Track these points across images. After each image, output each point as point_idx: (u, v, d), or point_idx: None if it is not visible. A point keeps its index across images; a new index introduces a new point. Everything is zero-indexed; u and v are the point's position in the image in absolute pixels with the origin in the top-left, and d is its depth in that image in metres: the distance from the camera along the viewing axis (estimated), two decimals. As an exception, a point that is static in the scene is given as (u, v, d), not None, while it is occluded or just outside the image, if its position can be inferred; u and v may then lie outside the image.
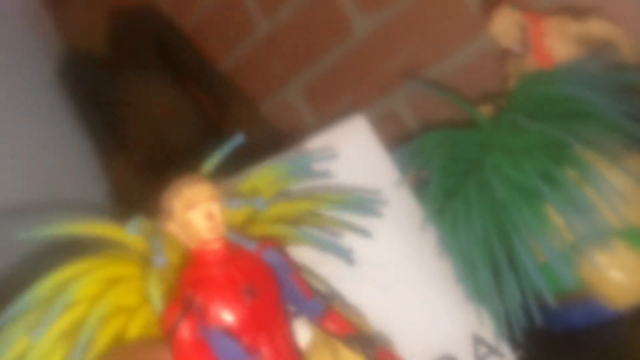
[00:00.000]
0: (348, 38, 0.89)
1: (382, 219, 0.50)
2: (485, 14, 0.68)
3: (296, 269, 0.41)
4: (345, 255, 0.45)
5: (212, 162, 0.45)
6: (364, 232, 0.48)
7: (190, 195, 0.36)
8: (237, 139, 0.44)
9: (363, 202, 0.49)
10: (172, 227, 0.37)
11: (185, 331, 0.35)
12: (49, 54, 0.98)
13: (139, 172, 0.95)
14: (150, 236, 0.39)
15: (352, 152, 0.52)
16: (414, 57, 0.84)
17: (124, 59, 0.95)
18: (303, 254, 0.45)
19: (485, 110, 0.60)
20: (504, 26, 0.57)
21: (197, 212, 0.36)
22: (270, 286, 0.39)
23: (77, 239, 0.42)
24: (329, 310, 0.42)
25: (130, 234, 0.39)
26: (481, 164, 0.54)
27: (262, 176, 0.46)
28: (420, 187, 0.56)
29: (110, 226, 0.41)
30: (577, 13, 0.59)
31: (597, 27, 0.56)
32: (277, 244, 0.41)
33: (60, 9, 0.95)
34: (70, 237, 0.42)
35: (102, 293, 0.37)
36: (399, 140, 0.59)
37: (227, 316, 0.36)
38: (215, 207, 0.37)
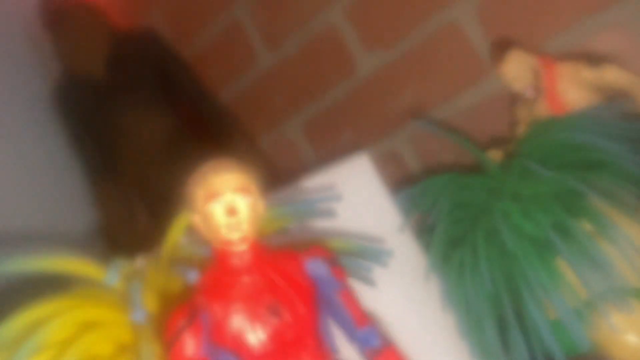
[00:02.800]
0: (351, 75, 0.87)
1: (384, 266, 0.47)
2: (494, 57, 0.67)
3: (348, 287, 0.35)
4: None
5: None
6: (368, 282, 0.45)
7: (214, 184, 0.31)
8: None
9: (366, 251, 0.46)
10: (196, 220, 0.32)
11: (188, 345, 0.29)
12: (46, 77, 0.96)
13: (128, 201, 0.92)
14: (130, 284, 0.35)
15: (354, 192, 0.49)
16: (419, 98, 0.82)
17: (122, 84, 0.93)
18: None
19: (494, 155, 0.57)
20: (517, 70, 0.55)
21: (218, 204, 0.31)
22: (304, 305, 0.32)
23: (53, 275, 0.38)
24: (387, 348, 0.34)
25: (109, 282, 0.35)
26: (490, 211, 0.51)
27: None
28: (424, 233, 0.53)
29: (90, 264, 0.38)
30: (592, 59, 0.57)
31: (612, 75, 0.54)
32: (327, 253, 0.34)
33: (59, 32, 0.94)
34: (46, 272, 0.38)
35: (74, 338, 0.33)
36: (399, 181, 0.57)
37: (242, 337, 0.30)
38: (241, 201, 0.31)
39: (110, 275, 0.35)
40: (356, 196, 0.49)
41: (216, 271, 0.32)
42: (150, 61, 0.95)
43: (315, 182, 0.48)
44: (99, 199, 0.95)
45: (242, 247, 0.32)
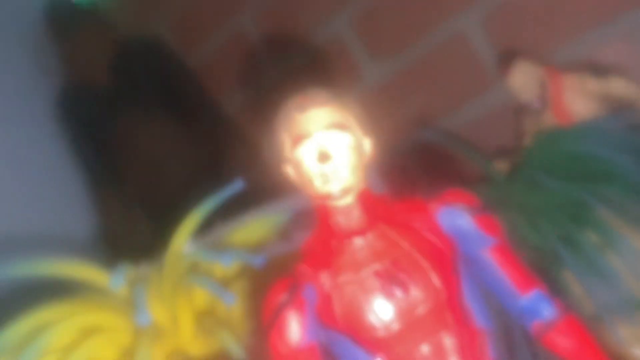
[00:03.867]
0: (357, 85, 0.87)
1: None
2: (501, 68, 0.67)
3: (504, 242, 0.27)
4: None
5: (209, 205, 0.42)
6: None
7: (300, 122, 0.26)
8: (236, 185, 0.42)
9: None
10: (288, 171, 0.26)
11: (290, 327, 0.23)
12: (50, 86, 0.97)
13: (130, 209, 0.92)
14: (134, 288, 0.35)
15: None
16: (424, 108, 0.82)
17: (125, 93, 0.93)
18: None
19: (500, 166, 0.57)
20: (523, 80, 0.55)
21: (307, 149, 0.25)
22: (438, 271, 0.24)
23: (56, 279, 0.38)
24: (565, 318, 0.26)
25: (113, 287, 0.35)
26: (495, 222, 0.51)
27: (257, 227, 0.43)
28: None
29: (94, 269, 0.37)
30: (599, 70, 0.57)
31: (618, 86, 0.54)
32: (470, 198, 0.26)
33: (64, 41, 0.94)
34: (50, 277, 0.38)
35: (77, 343, 0.33)
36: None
37: (358, 316, 0.23)
38: (336, 142, 0.25)
39: (115, 279, 0.34)
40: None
41: (320, 234, 0.25)
42: (155, 70, 0.96)
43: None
44: (101, 207, 0.95)
45: (347, 201, 0.25)
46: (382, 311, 0.24)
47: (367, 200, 0.25)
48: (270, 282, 0.26)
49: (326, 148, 0.25)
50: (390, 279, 0.24)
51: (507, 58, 0.60)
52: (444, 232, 0.25)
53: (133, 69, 0.95)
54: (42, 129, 0.95)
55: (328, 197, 0.25)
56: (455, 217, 0.26)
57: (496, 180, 0.55)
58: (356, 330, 0.23)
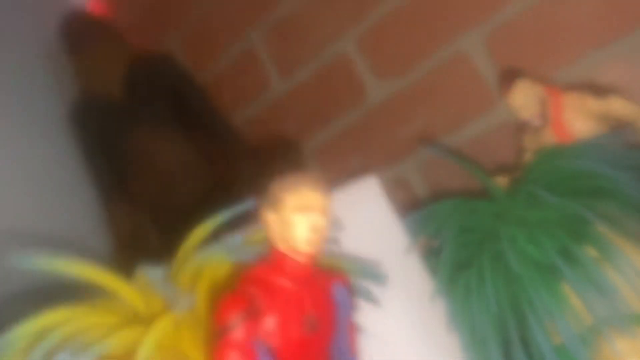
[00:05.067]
0: (362, 103, 0.89)
1: (390, 286, 0.47)
2: (502, 86, 0.68)
3: (354, 317, 0.38)
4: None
5: (218, 220, 0.43)
6: (373, 300, 0.46)
7: (307, 198, 0.33)
8: (249, 203, 0.43)
9: (371, 270, 0.46)
10: (270, 218, 0.34)
11: (239, 333, 0.31)
12: (64, 97, 0.98)
13: (139, 221, 0.93)
14: (158, 285, 0.36)
15: (363, 213, 0.50)
16: (427, 126, 0.84)
17: (138, 107, 0.95)
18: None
19: (500, 182, 0.58)
20: (524, 98, 0.56)
21: (306, 219, 0.33)
22: (330, 324, 0.35)
23: (65, 283, 0.39)
24: None
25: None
26: (496, 236, 0.52)
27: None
28: (431, 257, 0.54)
29: (107, 273, 0.38)
30: (598, 90, 0.58)
31: (617, 105, 0.56)
32: (348, 281, 0.37)
33: (78, 53, 0.96)
34: (60, 280, 0.39)
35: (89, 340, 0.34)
36: (406, 208, 0.57)
37: (280, 337, 0.32)
38: (324, 222, 0.34)
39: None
40: (364, 217, 0.50)
41: (271, 270, 0.34)
42: (166, 84, 0.98)
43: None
44: (110, 218, 0.96)
45: (303, 260, 0.34)
46: (293, 340, 0.33)
47: (310, 263, 0.35)
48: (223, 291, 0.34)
49: (319, 223, 0.34)
50: (307, 320, 0.34)
51: (508, 76, 0.62)
52: (334, 300, 0.36)
53: (146, 83, 0.97)
54: (55, 140, 0.97)
55: (298, 253, 0.34)
56: (342, 292, 0.36)
57: (497, 195, 0.56)
58: (275, 347, 0.32)
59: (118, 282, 0.37)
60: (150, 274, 0.37)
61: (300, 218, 0.33)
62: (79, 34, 0.97)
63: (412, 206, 0.62)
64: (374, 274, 0.47)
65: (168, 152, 0.96)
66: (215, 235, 0.44)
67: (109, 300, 0.39)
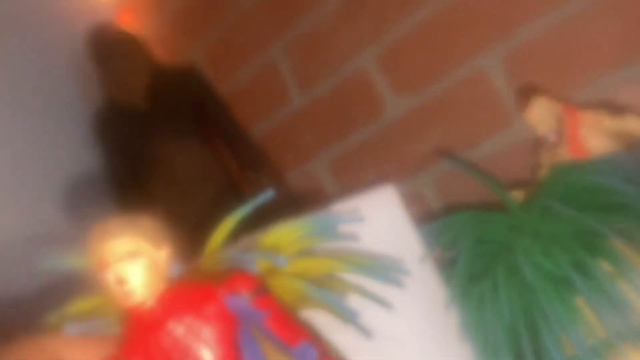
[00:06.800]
0: (379, 118, 0.90)
1: (405, 293, 0.48)
2: (520, 102, 0.69)
3: (275, 312, 0.34)
4: (359, 327, 0.43)
5: (240, 213, 0.44)
6: (384, 304, 0.46)
7: (103, 253, 0.31)
8: (268, 194, 0.44)
9: (386, 270, 0.47)
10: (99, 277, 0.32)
11: None
12: (89, 104, 1.01)
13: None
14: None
15: (380, 220, 0.51)
16: (444, 143, 0.85)
17: (160, 115, 0.97)
18: (323, 319, 0.43)
19: (516, 196, 0.59)
20: (541, 114, 0.57)
21: (109, 275, 0.31)
22: (223, 346, 0.31)
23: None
24: (323, 356, 0.35)
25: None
26: (510, 248, 0.53)
27: (286, 232, 0.45)
28: (446, 267, 0.54)
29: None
30: (615, 109, 0.59)
31: (633, 124, 0.56)
32: (250, 282, 0.33)
33: (104, 61, 0.99)
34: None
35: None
36: (421, 222, 0.58)
37: None
38: (129, 269, 0.31)
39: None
40: (381, 225, 0.51)
41: (131, 329, 0.32)
42: (189, 95, 1.00)
43: (341, 207, 0.50)
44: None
45: (147, 304, 0.32)
46: None
47: (166, 298, 0.32)
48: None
49: (123, 275, 0.31)
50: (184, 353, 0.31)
51: (526, 93, 0.63)
52: (230, 314, 0.32)
53: (168, 93, 0.99)
54: (79, 145, 0.99)
55: (134, 305, 0.32)
56: (238, 301, 0.32)
57: (512, 208, 0.57)
58: None
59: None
60: (173, 268, 0.38)
61: (104, 276, 0.31)
62: (106, 45, 1.00)
63: (427, 220, 0.62)
64: (393, 270, 0.47)
65: (186, 161, 0.98)
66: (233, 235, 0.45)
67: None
